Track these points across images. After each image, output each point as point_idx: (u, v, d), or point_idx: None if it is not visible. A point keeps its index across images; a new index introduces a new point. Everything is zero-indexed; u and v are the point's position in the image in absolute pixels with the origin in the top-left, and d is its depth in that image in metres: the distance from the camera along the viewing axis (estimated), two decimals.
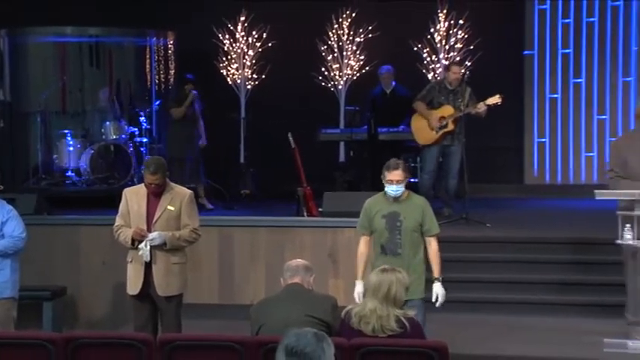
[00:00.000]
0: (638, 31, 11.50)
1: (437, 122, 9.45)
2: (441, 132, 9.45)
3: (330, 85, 11.77)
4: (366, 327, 5.04)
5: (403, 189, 6.17)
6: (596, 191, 6.73)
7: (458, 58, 11.37)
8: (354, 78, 11.74)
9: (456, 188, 9.51)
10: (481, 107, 9.23)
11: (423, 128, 9.56)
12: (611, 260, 7.45)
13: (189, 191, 6.46)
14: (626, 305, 6.82)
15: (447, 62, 11.50)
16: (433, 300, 6.17)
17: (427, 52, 11.49)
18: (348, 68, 11.76)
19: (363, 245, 6.29)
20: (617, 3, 11.82)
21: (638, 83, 11.71)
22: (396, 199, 6.18)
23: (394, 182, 6.12)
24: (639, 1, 10.87)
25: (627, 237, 6.47)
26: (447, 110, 9.45)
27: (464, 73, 9.91)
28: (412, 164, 10.82)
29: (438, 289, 6.18)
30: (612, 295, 7.43)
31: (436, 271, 6.20)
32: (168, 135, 10.80)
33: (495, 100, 9.17)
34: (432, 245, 6.23)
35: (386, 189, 6.18)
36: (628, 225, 6.45)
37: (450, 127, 9.41)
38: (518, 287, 8.02)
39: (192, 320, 6.82)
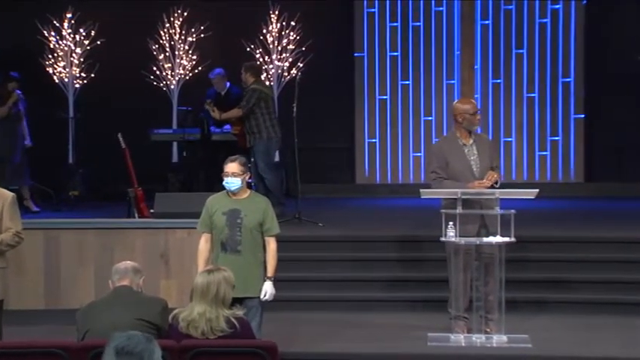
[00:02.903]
0: (460, 36, 11.94)
1: None
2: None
3: (162, 84, 11.62)
4: (195, 331, 5.01)
5: (239, 183, 6.23)
6: (421, 190, 6.96)
7: (290, 59, 11.49)
8: (187, 78, 11.64)
9: (276, 185, 9.61)
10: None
11: None
12: (436, 257, 7.70)
13: (12, 193, 6.21)
14: (449, 300, 7.08)
15: (279, 63, 11.61)
16: (261, 297, 6.24)
17: (260, 52, 11.54)
18: (181, 68, 11.65)
19: (203, 242, 6.35)
20: (441, 8, 12.26)
21: (460, 86, 12.17)
22: (236, 195, 6.24)
23: (229, 174, 6.20)
24: (461, 1, 11.29)
25: (450, 234, 6.72)
26: None
27: (255, 76, 9.89)
28: (248, 165, 10.86)
29: (267, 288, 6.26)
30: (437, 290, 7.67)
31: (270, 270, 6.29)
32: None
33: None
34: (271, 245, 6.31)
35: (223, 182, 6.23)
36: (451, 223, 6.70)
37: (234, 128, 9.99)
38: (349, 285, 8.17)
39: (15, 327, 6.56)
